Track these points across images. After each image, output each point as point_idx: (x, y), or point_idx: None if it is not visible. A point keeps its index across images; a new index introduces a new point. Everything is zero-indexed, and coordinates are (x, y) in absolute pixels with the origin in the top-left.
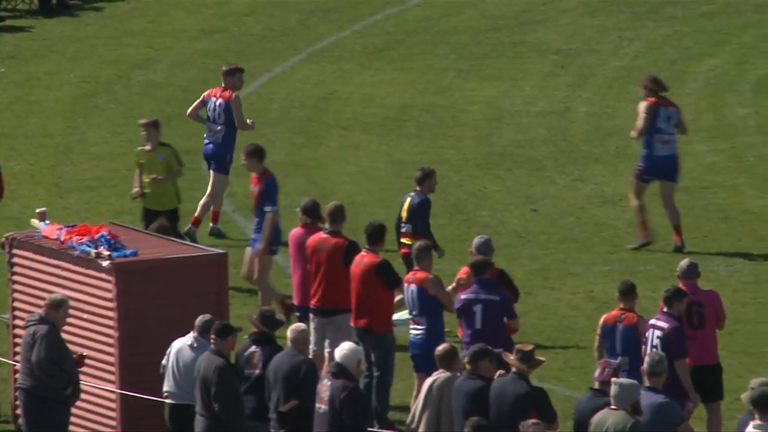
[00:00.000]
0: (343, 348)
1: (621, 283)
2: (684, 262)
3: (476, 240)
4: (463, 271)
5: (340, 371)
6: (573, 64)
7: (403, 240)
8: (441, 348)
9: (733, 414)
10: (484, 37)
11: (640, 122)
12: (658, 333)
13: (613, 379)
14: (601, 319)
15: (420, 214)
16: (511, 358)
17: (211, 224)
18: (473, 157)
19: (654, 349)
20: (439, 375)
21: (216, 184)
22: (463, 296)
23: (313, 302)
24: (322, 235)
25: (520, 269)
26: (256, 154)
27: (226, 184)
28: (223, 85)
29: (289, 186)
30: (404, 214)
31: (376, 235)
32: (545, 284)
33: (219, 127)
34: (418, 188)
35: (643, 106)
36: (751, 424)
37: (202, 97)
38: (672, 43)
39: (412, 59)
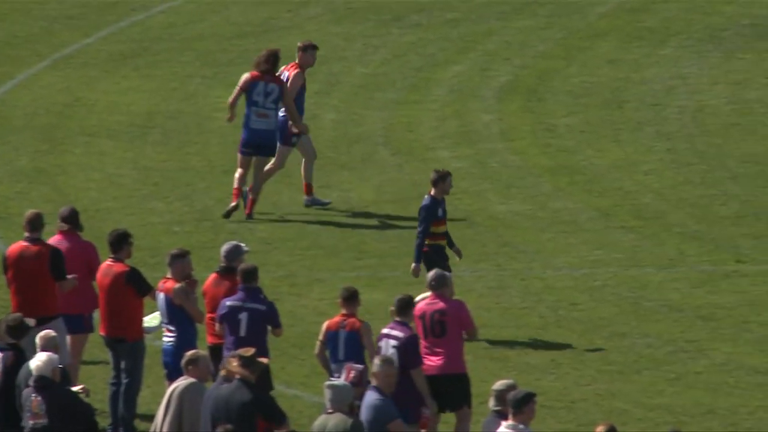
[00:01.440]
0: (39, 359)
1: (343, 289)
2: (432, 272)
3: (224, 246)
4: (210, 279)
5: (44, 384)
6: (319, 72)
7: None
8: (188, 353)
9: (477, 417)
10: (230, 44)
11: (233, 94)
12: (393, 342)
13: (327, 383)
14: (324, 326)
15: (421, 215)
16: (234, 364)
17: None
18: (220, 163)
19: None
20: (180, 381)
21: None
22: (228, 303)
23: (27, 312)
24: (22, 243)
25: (267, 276)
26: None
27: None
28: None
29: (34, 193)
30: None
31: (118, 243)
32: (292, 291)
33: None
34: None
35: (242, 77)
36: (504, 424)
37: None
38: (417, 51)
39: (158, 66)
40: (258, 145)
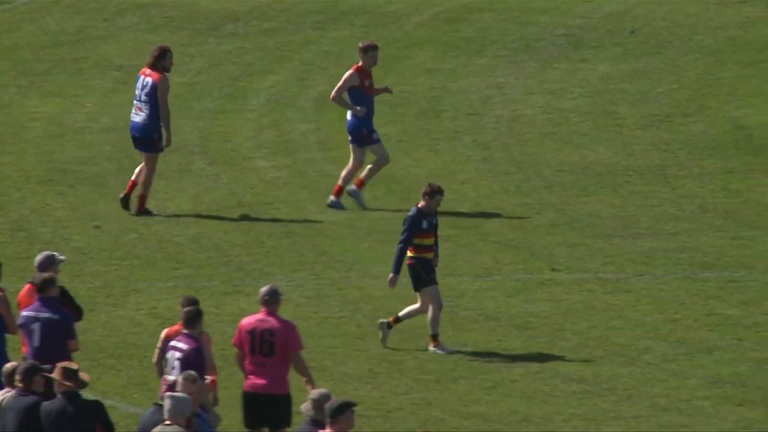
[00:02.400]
0: None
1: (183, 298)
2: (265, 288)
3: (38, 257)
4: (25, 290)
5: None
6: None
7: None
8: (4, 366)
9: (293, 427)
10: (45, 53)
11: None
12: (177, 354)
13: (167, 394)
14: (163, 333)
15: (405, 225)
16: (57, 377)
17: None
18: (35, 173)
19: (173, 370)
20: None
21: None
22: (24, 313)
23: None
24: None
25: (82, 286)
26: None
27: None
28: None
29: None
30: None
31: None
32: (108, 301)
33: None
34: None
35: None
36: None
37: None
38: (234, 60)
39: None
40: (134, 137)
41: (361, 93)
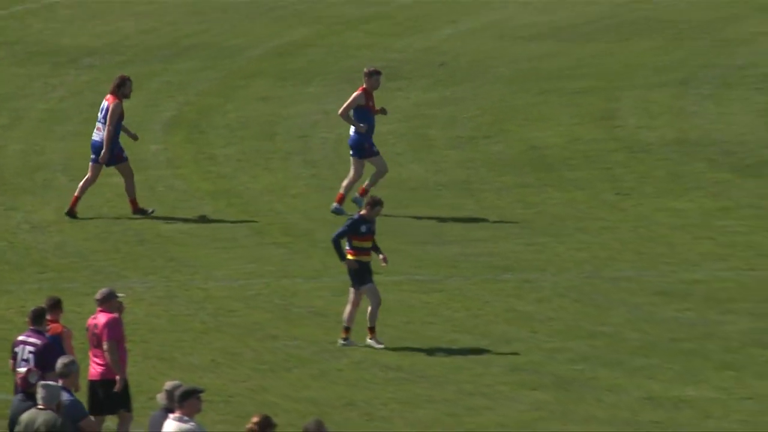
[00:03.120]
0: None
1: (47, 298)
2: (103, 290)
3: None
4: None
5: None
6: (4, 108)
7: None
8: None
9: (147, 412)
10: None
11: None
12: (30, 348)
13: (41, 382)
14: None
15: (345, 224)
16: None
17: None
18: None
19: (24, 363)
20: None
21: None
22: None
23: None
24: None
25: None
26: None
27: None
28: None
29: None
30: None
31: None
32: None
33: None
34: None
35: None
36: (171, 416)
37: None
38: (92, 89)
39: None
40: (94, 153)
41: (364, 111)
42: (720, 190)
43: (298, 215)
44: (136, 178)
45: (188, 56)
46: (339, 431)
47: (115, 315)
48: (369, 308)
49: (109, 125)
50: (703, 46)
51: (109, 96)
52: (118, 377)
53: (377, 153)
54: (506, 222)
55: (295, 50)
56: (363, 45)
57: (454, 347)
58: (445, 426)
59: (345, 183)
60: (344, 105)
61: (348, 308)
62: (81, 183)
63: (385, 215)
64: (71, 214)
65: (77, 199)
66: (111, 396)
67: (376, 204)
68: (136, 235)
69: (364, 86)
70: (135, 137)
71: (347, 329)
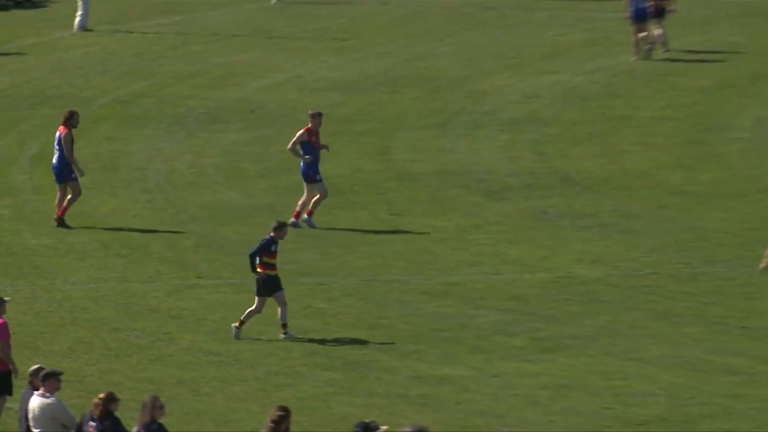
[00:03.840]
0: None
1: None
2: None
3: None
4: None
5: None
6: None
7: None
8: None
9: (18, 390)
10: None
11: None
12: None
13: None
14: None
15: (258, 244)
16: None
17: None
18: None
19: None
20: None
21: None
22: None
23: None
24: None
25: None
26: None
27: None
28: None
29: None
30: None
31: None
32: None
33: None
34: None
35: None
36: (36, 393)
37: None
38: None
39: None
40: (54, 174)
41: (309, 146)
42: (473, 210)
43: (136, 232)
44: (9, 202)
45: (50, 104)
46: (171, 404)
47: (3, 319)
48: (279, 310)
49: (65, 150)
50: (458, 96)
51: (61, 127)
52: (12, 366)
53: (320, 180)
54: (304, 236)
55: (135, 99)
56: (189, 95)
57: (263, 337)
58: (256, 399)
59: (300, 202)
60: (291, 141)
61: (251, 309)
62: (65, 203)
63: (207, 231)
64: (61, 223)
65: (65, 209)
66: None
67: (283, 226)
68: (7, 248)
69: (309, 125)
70: (81, 172)
71: (242, 323)
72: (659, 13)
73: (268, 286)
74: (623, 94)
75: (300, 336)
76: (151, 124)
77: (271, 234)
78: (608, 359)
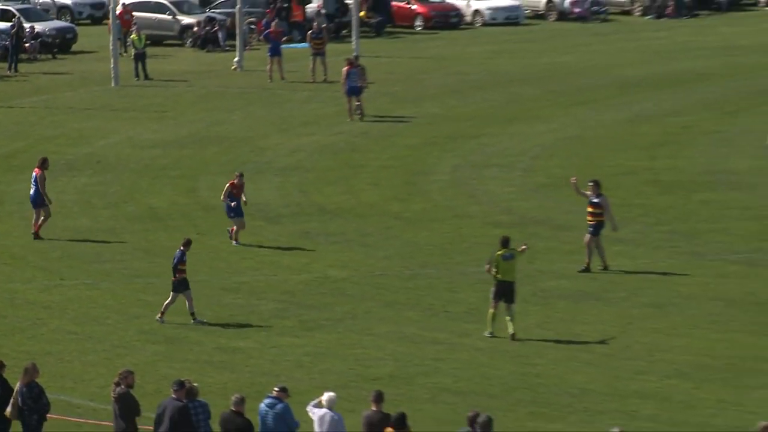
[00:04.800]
0: None
1: None
2: None
3: None
4: None
5: None
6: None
7: None
8: None
9: None
10: None
11: None
12: None
13: None
14: None
15: (178, 256)
16: None
17: None
18: None
19: None
20: None
21: None
22: None
23: None
24: None
25: None
26: None
27: None
28: None
29: None
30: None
31: None
32: None
33: None
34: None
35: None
36: None
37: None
38: None
39: None
40: (33, 203)
41: (233, 196)
42: (257, 231)
43: (18, 247)
44: None
45: None
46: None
47: None
48: (188, 303)
49: (40, 185)
50: (245, 151)
51: (36, 169)
52: None
53: (236, 216)
54: (136, 249)
55: (15, 154)
56: (54, 151)
57: (108, 321)
58: (104, 365)
59: (232, 233)
60: (222, 194)
61: (167, 302)
62: (40, 222)
63: (66, 247)
64: (37, 236)
65: (40, 226)
66: None
67: (189, 242)
68: None
69: (234, 181)
70: (50, 201)
71: (162, 313)
72: (360, 90)
73: (182, 286)
74: (361, 149)
75: (203, 321)
76: (27, 171)
77: (182, 248)
78: (351, 335)
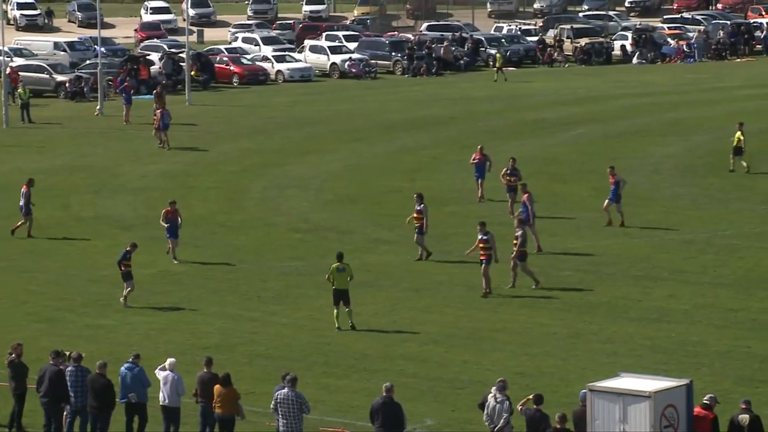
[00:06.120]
0: None
1: None
2: None
3: None
4: None
5: None
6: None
7: None
8: None
9: None
10: None
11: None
12: None
13: None
14: None
15: (122, 254)
16: None
17: None
18: None
19: None
20: None
21: None
22: None
23: None
24: None
25: None
26: None
27: None
28: None
29: None
30: None
31: None
32: None
33: None
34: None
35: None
36: None
37: None
38: None
39: None
40: (23, 211)
41: (169, 219)
42: (113, 235)
43: None
44: None
45: None
46: None
47: None
48: (127, 290)
49: (26, 201)
50: (106, 177)
51: (24, 186)
52: None
53: (171, 237)
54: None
55: None
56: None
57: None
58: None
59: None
60: (161, 218)
61: (125, 293)
62: (27, 224)
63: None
64: (13, 233)
65: (17, 228)
66: None
67: (135, 246)
68: None
69: (167, 209)
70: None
71: (126, 298)
72: (165, 127)
73: (127, 276)
74: (193, 174)
75: (130, 306)
76: None
77: (128, 248)
78: (187, 314)
